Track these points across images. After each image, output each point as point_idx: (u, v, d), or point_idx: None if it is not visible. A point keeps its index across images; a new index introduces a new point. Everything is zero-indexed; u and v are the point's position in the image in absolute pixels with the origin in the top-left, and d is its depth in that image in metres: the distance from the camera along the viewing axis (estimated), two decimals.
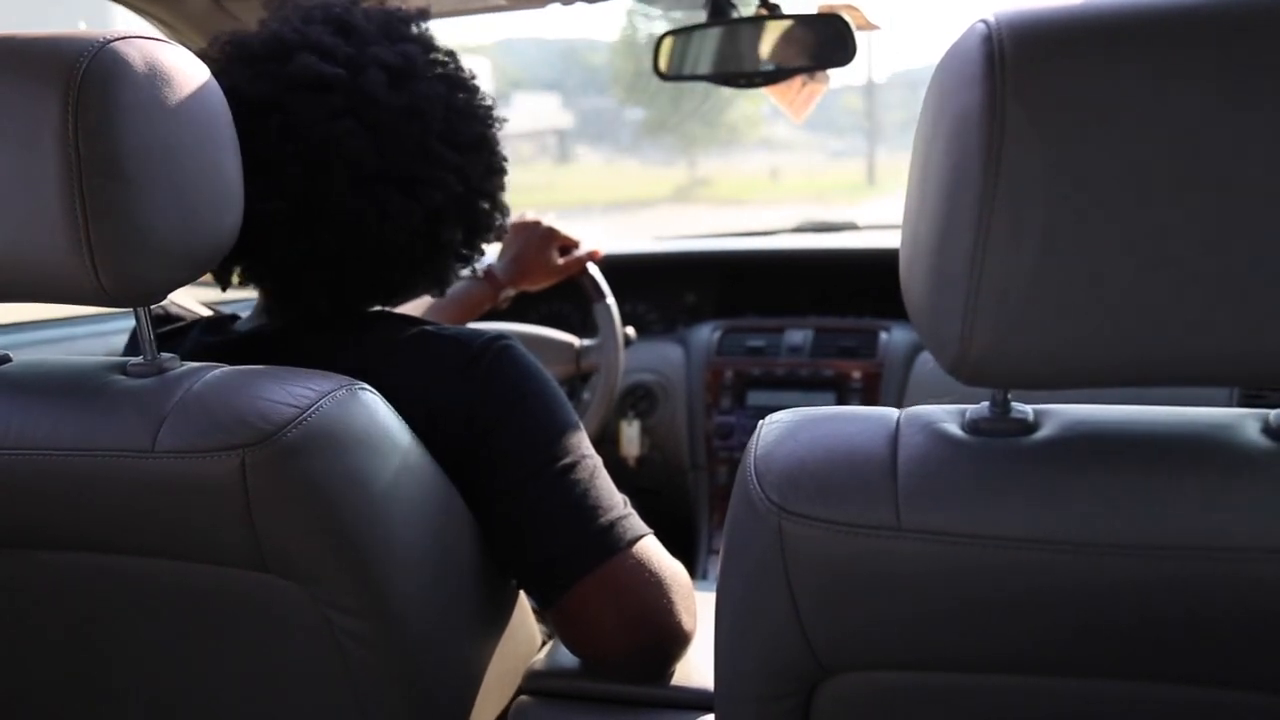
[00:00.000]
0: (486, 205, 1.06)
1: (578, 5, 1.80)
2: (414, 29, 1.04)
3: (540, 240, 1.67)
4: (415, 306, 1.58)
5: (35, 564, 0.89)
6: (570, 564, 0.95)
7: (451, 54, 1.05)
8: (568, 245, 1.71)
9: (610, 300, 1.78)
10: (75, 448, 0.80)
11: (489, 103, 1.06)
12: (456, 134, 1.02)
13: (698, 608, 1.03)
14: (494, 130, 1.06)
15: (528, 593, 1.02)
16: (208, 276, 1.00)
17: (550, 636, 1.16)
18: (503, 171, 1.08)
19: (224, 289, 1.07)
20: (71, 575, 0.89)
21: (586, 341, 1.82)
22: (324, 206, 0.95)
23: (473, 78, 1.06)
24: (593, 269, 1.76)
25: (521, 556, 0.97)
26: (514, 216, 1.69)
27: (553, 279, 1.70)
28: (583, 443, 0.99)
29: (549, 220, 1.69)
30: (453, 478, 0.93)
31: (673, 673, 1.01)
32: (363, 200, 0.96)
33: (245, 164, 0.90)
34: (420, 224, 1.00)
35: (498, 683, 1.02)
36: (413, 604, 0.87)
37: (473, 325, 1.12)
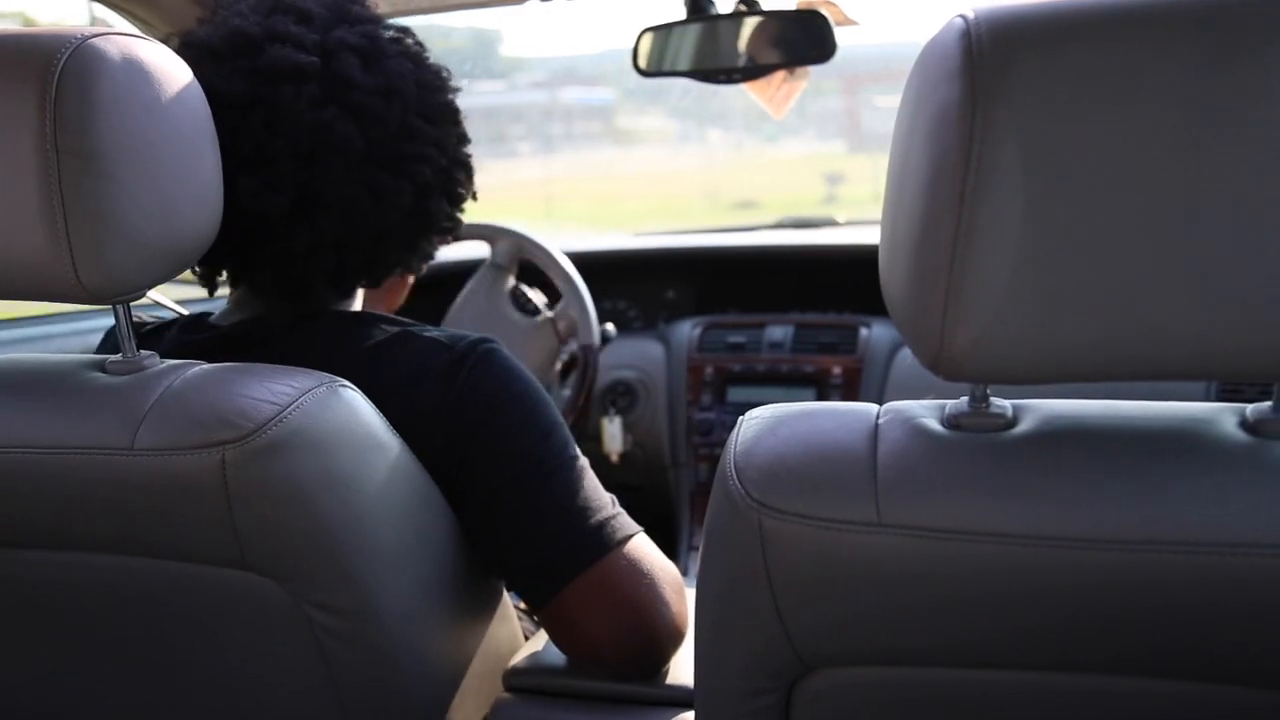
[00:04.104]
0: (462, 175, 1.07)
1: (556, 2, 1.80)
2: (360, 8, 1.03)
3: None
4: None
5: (13, 563, 0.88)
6: (560, 566, 0.95)
7: (404, 29, 1.05)
8: None
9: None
10: (53, 446, 0.80)
11: (446, 73, 1.06)
12: (429, 107, 1.02)
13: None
14: (456, 98, 1.07)
15: (519, 594, 1.02)
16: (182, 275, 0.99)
17: (531, 634, 1.16)
18: (469, 139, 1.08)
19: (211, 293, 1.06)
20: (49, 574, 0.88)
21: (550, 313, 1.92)
22: (321, 196, 0.95)
23: (425, 50, 1.06)
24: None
25: (511, 559, 0.97)
26: None
27: None
28: (569, 444, 0.98)
29: None
30: (438, 480, 0.93)
31: (666, 671, 1.02)
32: (356, 185, 0.96)
33: (233, 161, 0.90)
34: (410, 201, 1.00)
35: (479, 680, 1.02)
36: (392, 602, 0.87)
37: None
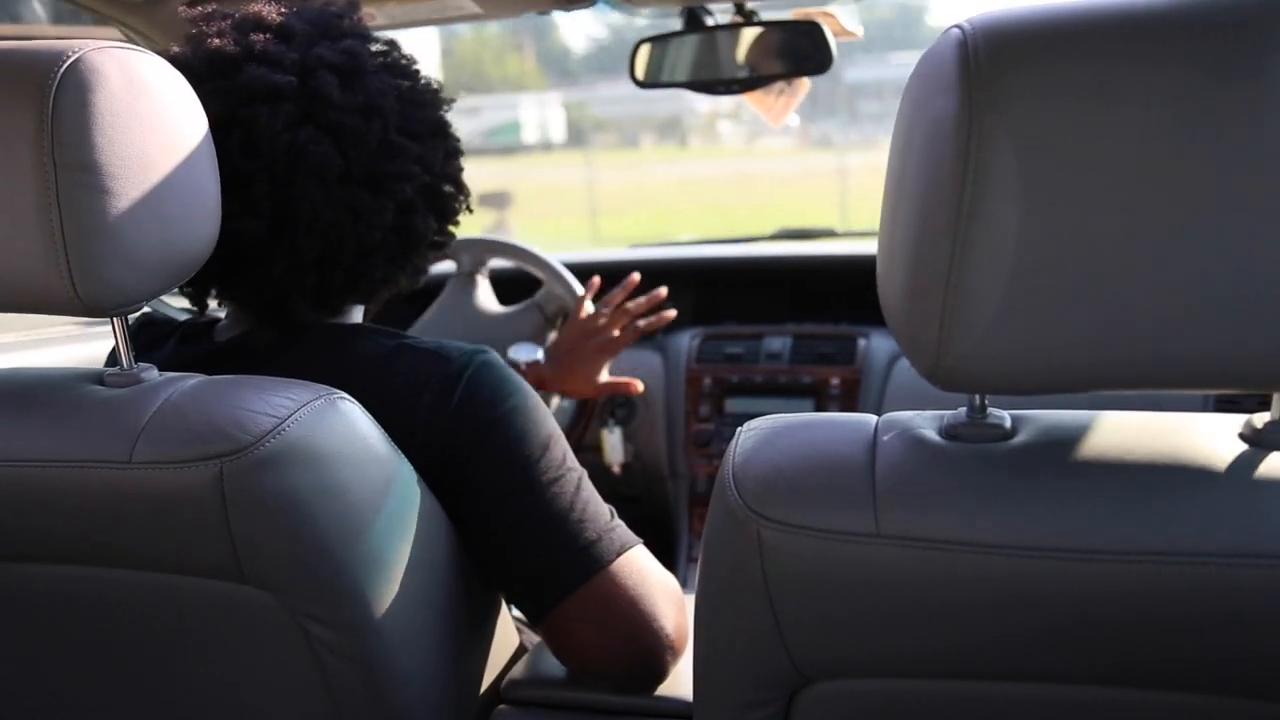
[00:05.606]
0: (451, 189, 1.06)
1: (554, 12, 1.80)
2: (349, 22, 1.02)
3: (597, 349, 1.71)
4: None
5: (10, 575, 0.88)
6: (557, 580, 0.94)
7: (391, 43, 1.04)
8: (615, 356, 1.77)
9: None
10: (51, 459, 0.80)
11: (436, 86, 1.06)
12: (413, 123, 1.01)
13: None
14: (445, 113, 1.06)
15: (517, 606, 1.01)
16: None
17: (529, 646, 1.16)
18: (460, 153, 1.07)
19: (202, 311, 1.06)
20: (47, 587, 0.88)
21: (537, 296, 1.94)
22: (298, 217, 0.94)
23: (414, 64, 1.05)
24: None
25: (510, 571, 0.97)
26: (582, 313, 1.76)
27: (588, 394, 1.76)
28: (567, 456, 0.98)
29: (615, 329, 1.73)
30: (437, 492, 0.92)
31: (666, 682, 1.01)
32: (335, 205, 0.95)
33: None
34: (393, 219, 0.99)
35: (477, 692, 1.01)
36: (390, 614, 0.87)
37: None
